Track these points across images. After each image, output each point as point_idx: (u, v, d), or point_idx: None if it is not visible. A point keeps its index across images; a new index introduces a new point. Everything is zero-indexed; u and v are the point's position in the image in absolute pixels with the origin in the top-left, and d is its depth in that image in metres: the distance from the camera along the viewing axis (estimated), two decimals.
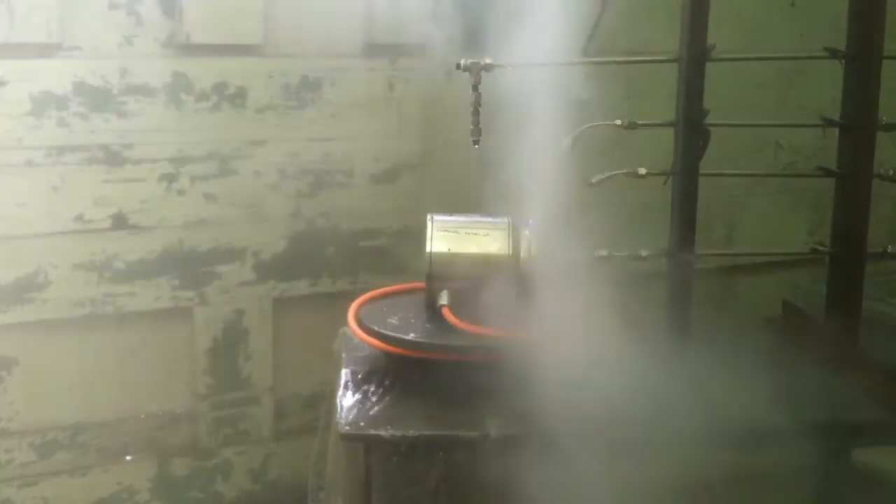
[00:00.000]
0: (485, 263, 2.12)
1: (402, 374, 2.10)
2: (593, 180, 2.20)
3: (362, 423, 1.94)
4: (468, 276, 2.11)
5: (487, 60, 2.18)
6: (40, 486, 2.82)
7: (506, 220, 2.17)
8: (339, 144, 2.98)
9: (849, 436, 2.14)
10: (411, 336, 2.09)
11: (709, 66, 2.11)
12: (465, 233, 2.15)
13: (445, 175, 2.83)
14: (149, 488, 2.96)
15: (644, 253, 2.28)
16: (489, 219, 2.19)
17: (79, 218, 2.71)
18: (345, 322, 2.24)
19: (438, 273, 2.14)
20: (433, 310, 2.13)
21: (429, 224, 2.18)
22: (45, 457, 2.81)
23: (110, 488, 2.91)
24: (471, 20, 2.48)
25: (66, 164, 2.67)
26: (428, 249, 2.15)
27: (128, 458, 2.93)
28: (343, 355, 2.26)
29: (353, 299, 2.31)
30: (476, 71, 2.18)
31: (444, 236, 2.15)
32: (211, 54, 2.78)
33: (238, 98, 2.84)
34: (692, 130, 2.11)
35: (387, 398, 2.03)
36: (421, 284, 2.19)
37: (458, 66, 2.21)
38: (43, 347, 2.77)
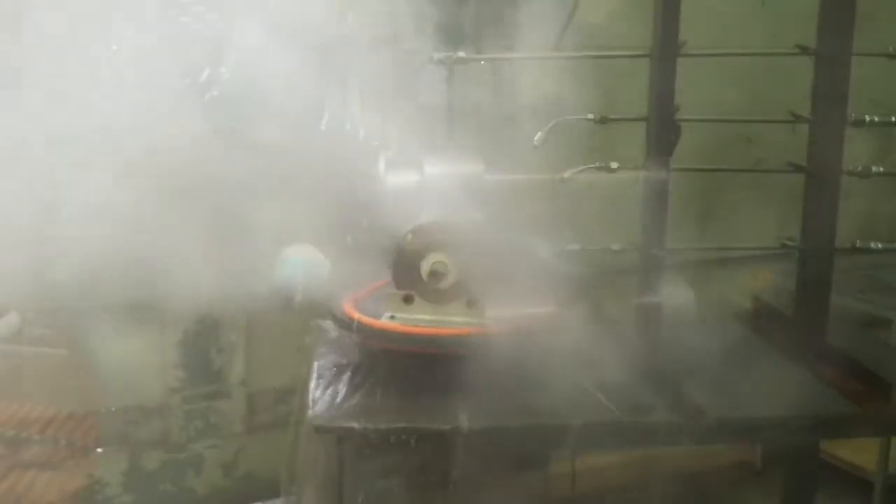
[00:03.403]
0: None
1: (375, 366, 2.10)
2: (565, 175, 2.21)
3: (334, 416, 1.93)
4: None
5: (461, 54, 2.18)
6: (10, 479, 2.80)
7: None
8: None
9: (817, 430, 2.16)
10: (380, 327, 2.06)
11: (681, 62, 2.12)
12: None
13: None
14: (120, 481, 2.95)
15: (616, 247, 2.28)
16: None
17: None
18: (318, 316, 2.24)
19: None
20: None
21: None
22: (15, 450, 2.79)
23: (81, 481, 2.90)
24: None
25: None
26: None
27: (99, 450, 2.92)
28: (315, 348, 2.25)
29: None
30: (449, 65, 2.18)
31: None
32: None
33: None
34: (663, 126, 2.12)
35: (359, 391, 2.03)
36: None
37: (431, 60, 2.20)
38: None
